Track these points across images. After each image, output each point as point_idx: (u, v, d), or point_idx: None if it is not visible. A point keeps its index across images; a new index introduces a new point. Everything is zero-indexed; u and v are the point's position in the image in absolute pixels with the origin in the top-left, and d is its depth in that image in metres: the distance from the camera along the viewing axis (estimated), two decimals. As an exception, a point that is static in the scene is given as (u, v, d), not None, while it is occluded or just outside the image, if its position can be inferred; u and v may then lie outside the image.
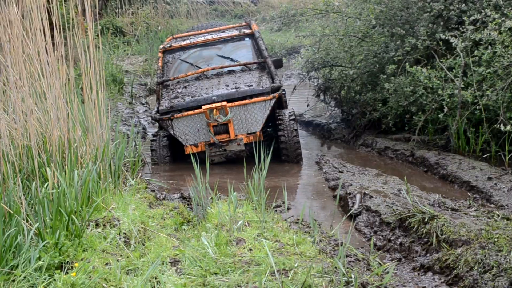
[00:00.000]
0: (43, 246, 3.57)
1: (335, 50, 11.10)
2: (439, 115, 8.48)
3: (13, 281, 3.27)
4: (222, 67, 9.41)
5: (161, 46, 9.89)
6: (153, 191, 6.46)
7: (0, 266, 3.32)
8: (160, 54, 9.71)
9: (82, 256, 3.70)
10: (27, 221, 3.72)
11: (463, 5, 8.84)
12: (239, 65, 9.49)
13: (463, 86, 8.35)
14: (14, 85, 4.52)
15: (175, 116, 8.55)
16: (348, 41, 10.83)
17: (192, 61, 9.68)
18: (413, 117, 9.03)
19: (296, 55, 19.16)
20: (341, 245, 4.38)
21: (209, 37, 9.93)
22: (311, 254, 4.00)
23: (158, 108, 8.92)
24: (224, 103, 8.43)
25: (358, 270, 3.84)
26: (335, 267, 3.75)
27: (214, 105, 8.41)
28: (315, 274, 3.59)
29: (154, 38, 18.23)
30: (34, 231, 3.63)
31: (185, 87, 9.21)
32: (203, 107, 8.37)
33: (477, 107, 8.23)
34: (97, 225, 4.22)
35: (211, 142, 8.56)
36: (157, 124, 9.75)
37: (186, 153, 8.55)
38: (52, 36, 5.00)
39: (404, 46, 9.31)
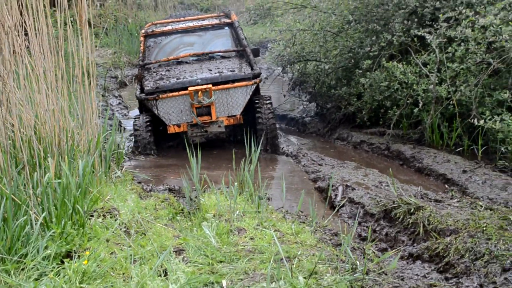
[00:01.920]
0: (50, 235, 3.58)
1: (310, 45, 11.24)
2: (414, 110, 8.70)
3: (23, 269, 3.28)
4: (203, 53, 9.79)
5: (143, 31, 10.19)
6: (139, 183, 6.46)
7: (10, 255, 3.32)
8: (141, 38, 9.93)
9: (87, 246, 3.72)
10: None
11: (437, 2, 9.05)
12: (220, 52, 9.86)
13: (437, 81, 8.58)
14: (7, 75, 4.47)
15: (160, 96, 8.82)
16: (323, 36, 10.97)
17: (173, 46, 10.04)
18: (388, 111, 9.24)
19: (264, 49, 19.30)
20: (336, 235, 4.50)
21: (190, 24, 10.26)
22: (311, 243, 4.11)
23: (141, 88, 9.18)
24: (210, 85, 8.74)
25: (356, 258, 3.95)
26: (336, 255, 3.86)
27: (199, 87, 8.72)
28: (319, 261, 3.69)
29: (123, 31, 18.06)
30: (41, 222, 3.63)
31: (168, 70, 9.49)
32: (189, 88, 8.68)
33: (451, 102, 8.46)
34: (97, 215, 4.24)
35: (193, 123, 8.88)
36: (131, 115, 10.47)
37: (168, 132, 8.94)
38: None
39: (380, 41, 9.50)
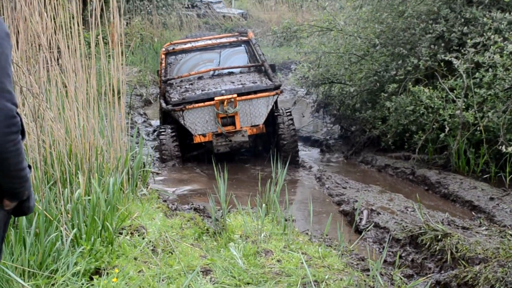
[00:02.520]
0: (80, 252, 3.60)
1: (335, 67, 11.26)
2: (440, 135, 8.63)
3: (53, 285, 3.29)
4: (223, 68, 10.29)
5: (163, 49, 10.66)
6: (164, 201, 6.48)
7: (41, 270, 3.34)
8: (162, 56, 10.38)
9: (116, 263, 3.73)
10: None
11: (465, 27, 9.03)
12: (240, 67, 10.40)
13: (464, 107, 8.52)
14: (41, 92, 4.54)
15: (186, 107, 9.20)
16: (348, 59, 10.98)
17: (193, 63, 10.52)
18: (413, 135, 9.18)
19: (287, 70, 19.34)
20: (363, 260, 4.46)
21: (209, 42, 10.79)
22: (339, 267, 4.07)
23: (166, 101, 9.58)
24: (235, 95, 9.15)
25: (384, 284, 3.91)
26: (364, 280, 3.82)
27: (225, 96, 9.13)
28: (347, 286, 3.65)
29: (149, 50, 18.27)
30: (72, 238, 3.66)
31: (191, 84, 9.93)
32: (215, 98, 9.10)
33: (478, 128, 8.39)
34: (126, 233, 4.25)
35: (218, 132, 9.23)
36: (155, 134, 11.17)
37: (194, 142, 9.32)
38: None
39: (406, 65, 9.48)
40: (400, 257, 5.72)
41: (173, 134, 9.38)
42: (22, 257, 3.31)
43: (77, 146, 4.57)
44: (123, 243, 3.98)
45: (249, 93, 9.39)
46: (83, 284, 3.39)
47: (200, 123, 9.24)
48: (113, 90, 5.16)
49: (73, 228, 3.71)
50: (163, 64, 10.25)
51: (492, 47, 8.36)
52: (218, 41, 10.78)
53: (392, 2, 10.04)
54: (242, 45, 10.69)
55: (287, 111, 9.66)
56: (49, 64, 4.82)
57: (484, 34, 8.58)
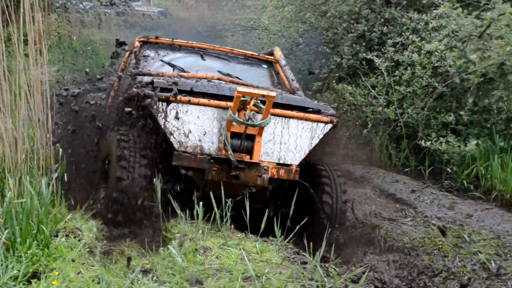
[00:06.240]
0: (16, 256, 3.51)
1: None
2: (363, 131, 8.94)
3: (-11, 291, 3.20)
4: (239, 83, 6.13)
5: (140, 36, 6.97)
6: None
7: (-24, 277, 3.23)
8: (137, 43, 6.70)
9: (53, 266, 3.66)
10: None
11: (385, 27, 9.39)
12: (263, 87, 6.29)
13: (385, 104, 8.86)
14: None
15: (180, 98, 5.17)
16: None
17: (185, 66, 6.43)
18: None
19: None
20: (299, 254, 4.58)
21: (216, 46, 7.27)
22: (277, 261, 4.16)
23: (139, 83, 5.34)
24: (272, 94, 5.07)
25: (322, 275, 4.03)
26: (302, 273, 3.93)
27: (256, 91, 5.20)
28: (287, 279, 3.74)
29: (67, 48, 17.79)
30: (4, 241, 3.56)
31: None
32: (238, 90, 4.99)
33: (398, 123, 8.76)
34: (61, 236, 4.17)
35: (220, 156, 5.26)
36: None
37: (173, 163, 5.20)
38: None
39: (329, 64, 9.75)
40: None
41: (141, 148, 5.25)
42: (-45, 263, 3.21)
43: (5, 149, 4.44)
44: (59, 245, 3.90)
45: (286, 107, 5.54)
46: (21, 288, 3.31)
47: (193, 132, 5.23)
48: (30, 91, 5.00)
49: (7, 233, 3.60)
50: (135, 54, 6.52)
51: (410, 46, 8.74)
52: (225, 48, 7.29)
53: (315, 2, 10.31)
54: (264, 65, 7.14)
55: (334, 166, 6.05)
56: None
57: (403, 34, 8.96)
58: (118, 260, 4.05)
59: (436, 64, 8.42)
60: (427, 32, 8.83)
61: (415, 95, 8.72)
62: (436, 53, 8.37)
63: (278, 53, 7.25)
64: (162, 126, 5.16)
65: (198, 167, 5.22)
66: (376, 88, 9.07)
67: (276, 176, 5.39)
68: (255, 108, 5.08)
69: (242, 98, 5.00)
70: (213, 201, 4.70)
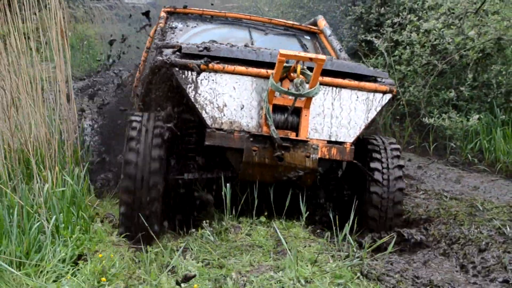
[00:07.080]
0: (63, 240, 3.71)
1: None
2: (366, 111, 9.13)
3: (41, 272, 3.39)
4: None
5: (166, 7, 6.50)
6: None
7: (28, 260, 3.43)
8: (163, 14, 6.31)
9: (96, 248, 3.85)
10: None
11: (382, 8, 9.56)
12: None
13: (387, 83, 9.05)
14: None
15: (212, 66, 4.49)
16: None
17: (216, 37, 5.40)
18: (341, 113, 9.64)
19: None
20: (324, 230, 4.78)
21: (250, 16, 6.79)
22: (304, 236, 4.37)
23: (163, 53, 4.63)
24: (321, 56, 4.29)
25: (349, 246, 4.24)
26: (330, 246, 4.15)
27: (302, 53, 4.31)
28: (316, 252, 3.95)
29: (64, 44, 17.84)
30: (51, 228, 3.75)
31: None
32: (281, 52, 4.21)
33: (401, 102, 8.95)
34: (96, 221, 4.37)
35: (261, 133, 4.58)
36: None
37: (206, 143, 4.51)
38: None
39: (329, 47, 9.92)
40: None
41: (160, 139, 4.47)
42: (9, 249, 3.39)
43: (40, 142, 4.62)
44: (98, 230, 4.09)
45: (338, 75, 4.82)
46: (69, 269, 3.50)
47: (230, 106, 4.55)
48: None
49: (51, 219, 3.79)
50: (162, 25, 6.10)
51: (408, 26, 8.91)
52: (267, 19, 6.76)
53: (312, -14, 10.46)
54: (307, 36, 6.70)
55: (391, 142, 5.37)
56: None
57: (400, 14, 9.13)
58: (152, 242, 4.23)
59: (435, 42, 8.59)
60: (424, 11, 9.00)
61: (415, 73, 8.91)
62: (434, 31, 8.53)
63: (323, 22, 6.77)
64: (192, 100, 4.45)
65: (235, 147, 4.53)
66: (377, 69, 9.25)
67: (327, 157, 4.67)
68: (301, 76, 4.36)
69: (285, 64, 4.33)
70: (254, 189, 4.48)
